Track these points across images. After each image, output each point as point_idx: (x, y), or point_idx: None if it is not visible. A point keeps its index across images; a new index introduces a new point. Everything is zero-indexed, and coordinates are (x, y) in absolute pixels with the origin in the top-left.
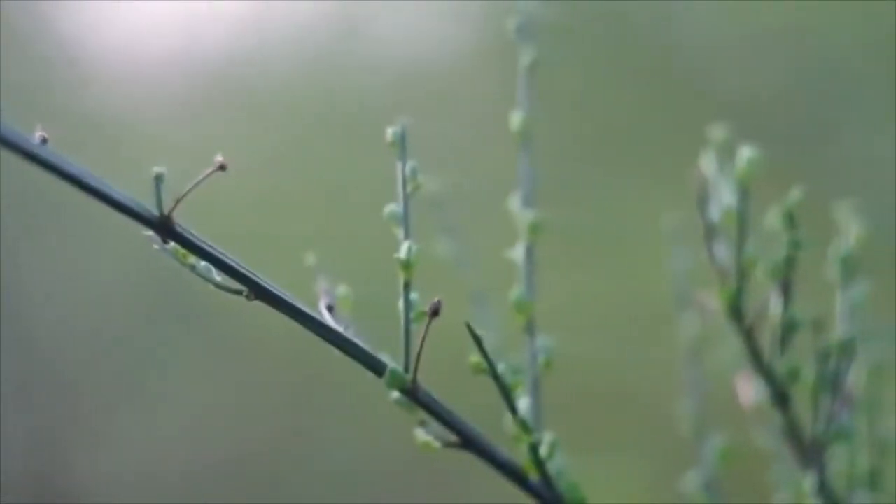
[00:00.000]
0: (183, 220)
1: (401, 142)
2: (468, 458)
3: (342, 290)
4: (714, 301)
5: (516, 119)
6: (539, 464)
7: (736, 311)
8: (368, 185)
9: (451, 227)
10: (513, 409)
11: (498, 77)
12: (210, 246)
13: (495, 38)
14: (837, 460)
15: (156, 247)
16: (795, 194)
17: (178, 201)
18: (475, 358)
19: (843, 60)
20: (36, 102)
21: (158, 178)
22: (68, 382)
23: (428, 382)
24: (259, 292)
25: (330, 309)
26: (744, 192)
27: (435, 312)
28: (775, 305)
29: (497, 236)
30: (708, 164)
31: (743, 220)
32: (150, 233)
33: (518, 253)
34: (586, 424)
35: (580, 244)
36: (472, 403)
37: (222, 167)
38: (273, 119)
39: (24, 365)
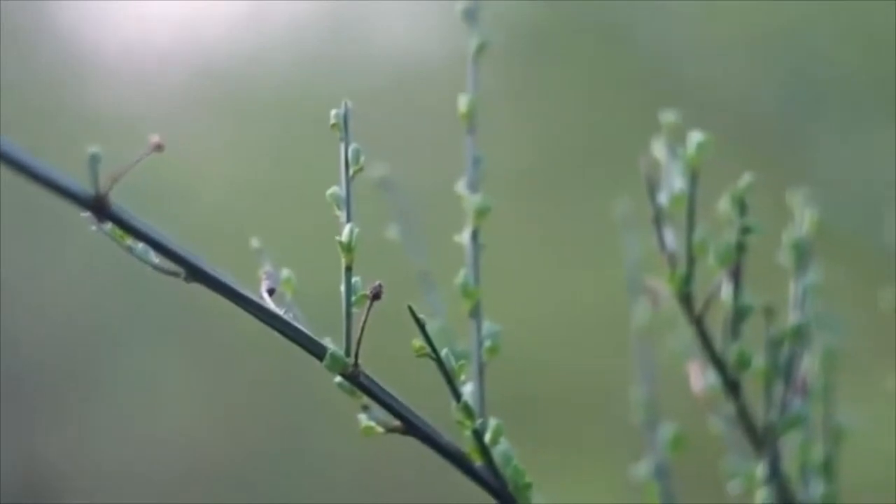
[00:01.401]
0: (177, 219)
1: (343, 124)
2: None
3: (286, 273)
4: (665, 287)
5: (463, 102)
6: (483, 449)
7: (685, 297)
8: (367, 185)
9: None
10: (456, 395)
11: (492, 78)
12: (146, 226)
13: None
14: (792, 448)
15: (93, 228)
16: (746, 180)
17: (113, 181)
18: (418, 342)
19: (820, 63)
20: (34, 101)
21: (94, 158)
22: (45, 383)
23: (387, 370)
24: (195, 274)
25: (271, 292)
26: (693, 176)
27: (376, 296)
28: (726, 292)
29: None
30: (659, 149)
31: (692, 205)
32: (87, 214)
33: (465, 237)
34: (562, 421)
35: (574, 242)
36: (431, 391)
37: (159, 147)
38: (270, 118)
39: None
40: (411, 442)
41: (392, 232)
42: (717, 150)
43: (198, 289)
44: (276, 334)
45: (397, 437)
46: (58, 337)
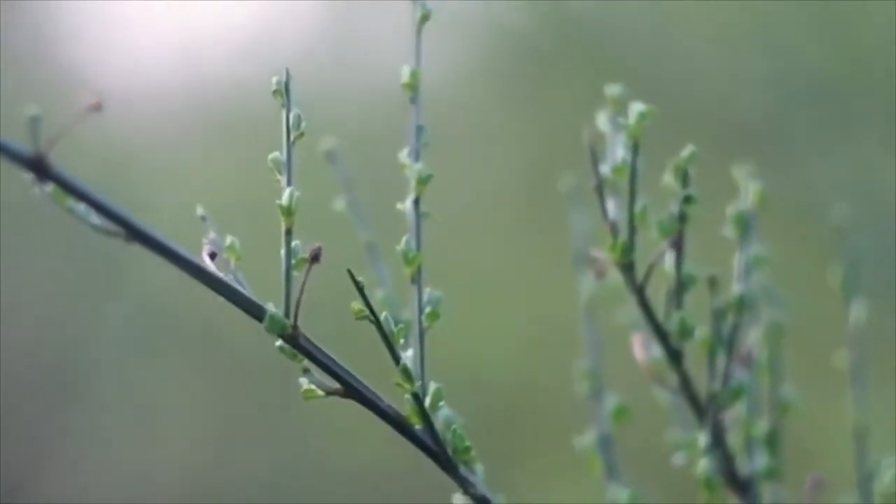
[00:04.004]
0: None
1: (285, 90)
2: None
3: (230, 239)
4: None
5: (406, 73)
6: (422, 413)
7: (627, 266)
8: (367, 204)
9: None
10: (395, 358)
11: (490, 100)
12: (87, 187)
13: (488, 64)
14: (737, 421)
15: (36, 191)
16: (689, 150)
17: (53, 140)
18: (357, 305)
19: (810, 65)
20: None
21: (34, 119)
22: (36, 394)
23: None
24: (135, 234)
25: (213, 256)
26: (635, 146)
27: (315, 258)
28: (669, 262)
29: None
30: (603, 121)
31: (634, 175)
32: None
33: (407, 205)
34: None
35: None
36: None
37: (97, 107)
38: (269, 145)
39: None
40: (411, 456)
41: (339, 204)
42: (708, 155)
43: (196, 299)
44: (275, 351)
45: (396, 451)
46: (50, 347)
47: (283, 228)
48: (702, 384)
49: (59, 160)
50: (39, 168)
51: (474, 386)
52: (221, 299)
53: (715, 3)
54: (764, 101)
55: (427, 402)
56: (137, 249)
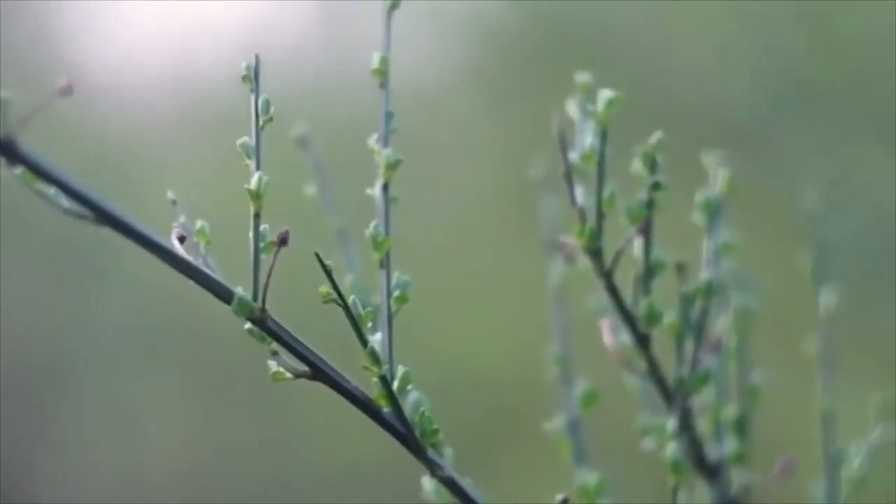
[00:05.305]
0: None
1: (254, 76)
2: None
3: (200, 224)
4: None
5: (376, 59)
6: (390, 395)
7: (596, 252)
8: (359, 201)
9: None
10: (363, 341)
11: (479, 98)
12: (56, 170)
13: (478, 62)
14: (707, 406)
15: (4, 174)
16: (657, 137)
17: (23, 123)
18: (325, 288)
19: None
20: (36, 124)
21: (5, 102)
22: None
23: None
24: (104, 217)
25: (182, 240)
26: (603, 133)
27: (283, 241)
28: (638, 248)
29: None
30: (573, 109)
31: (602, 161)
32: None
33: (376, 191)
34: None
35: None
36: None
37: (68, 90)
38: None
39: None
40: (402, 470)
41: (310, 189)
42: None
43: (187, 300)
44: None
45: (389, 449)
46: (41, 347)
47: (251, 212)
48: (670, 369)
49: (55, 157)
50: (8, 151)
51: (468, 384)
52: (211, 297)
53: (709, 3)
54: (756, 99)
55: (395, 385)
56: (130, 249)
